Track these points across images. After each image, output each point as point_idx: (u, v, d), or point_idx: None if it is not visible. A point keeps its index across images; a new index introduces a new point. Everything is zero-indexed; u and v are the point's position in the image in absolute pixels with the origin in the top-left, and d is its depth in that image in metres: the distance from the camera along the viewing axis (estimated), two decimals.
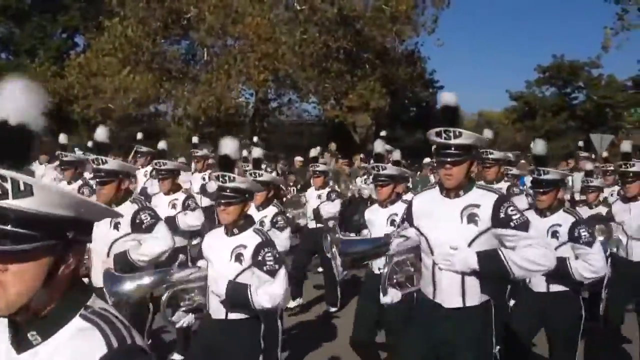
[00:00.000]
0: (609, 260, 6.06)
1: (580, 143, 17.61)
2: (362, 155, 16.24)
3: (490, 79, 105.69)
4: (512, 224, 3.58)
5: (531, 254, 3.55)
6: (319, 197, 8.97)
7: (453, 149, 3.54)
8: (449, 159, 3.57)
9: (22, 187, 1.50)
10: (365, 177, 14.18)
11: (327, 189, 9.16)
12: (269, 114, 29.61)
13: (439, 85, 38.34)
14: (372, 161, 11.30)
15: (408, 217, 3.97)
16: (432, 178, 13.40)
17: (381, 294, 3.95)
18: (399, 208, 5.95)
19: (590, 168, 8.75)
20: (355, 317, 5.84)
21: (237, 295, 3.93)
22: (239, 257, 4.01)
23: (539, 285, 4.90)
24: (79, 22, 31.30)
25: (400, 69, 29.40)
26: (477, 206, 3.63)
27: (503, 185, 7.35)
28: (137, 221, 4.83)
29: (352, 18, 25.90)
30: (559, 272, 4.57)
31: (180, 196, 7.31)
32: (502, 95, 67.70)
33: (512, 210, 3.60)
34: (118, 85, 24.79)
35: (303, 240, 9.57)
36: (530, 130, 40.10)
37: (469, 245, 3.60)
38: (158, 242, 4.83)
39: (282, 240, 6.14)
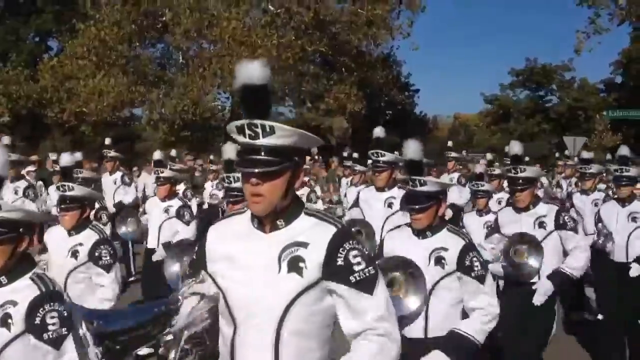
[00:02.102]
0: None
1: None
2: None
3: (465, 82, 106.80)
4: (352, 278, 2.27)
5: (368, 354, 2.30)
6: (167, 210, 7.09)
7: (263, 152, 2.21)
8: (256, 169, 2.22)
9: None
10: (217, 181, 12.53)
11: (178, 201, 7.21)
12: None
13: (415, 88, 38.64)
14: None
15: (199, 260, 2.47)
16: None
17: None
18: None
19: (480, 170, 7.86)
20: None
21: None
22: (5, 321, 2.72)
23: (414, 331, 3.80)
24: (52, 25, 30.97)
25: (376, 72, 29.55)
26: (304, 245, 2.29)
27: (397, 194, 5.91)
28: None
29: (328, 22, 25.97)
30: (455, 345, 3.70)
31: None
32: (477, 98, 68.40)
33: (355, 257, 2.29)
34: (92, 89, 24.56)
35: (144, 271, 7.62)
36: (505, 132, 40.55)
37: (289, 305, 2.26)
38: None
39: (108, 287, 4.62)
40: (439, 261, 3.79)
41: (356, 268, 2.29)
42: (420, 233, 3.89)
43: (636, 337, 6.24)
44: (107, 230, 6.78)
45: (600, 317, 7.73)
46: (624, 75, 38.00)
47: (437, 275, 3.80)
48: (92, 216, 7.12)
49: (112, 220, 8.53)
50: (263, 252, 2.32)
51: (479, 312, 3.77)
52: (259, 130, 2.21)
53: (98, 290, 4.58)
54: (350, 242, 2.32)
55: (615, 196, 6.86)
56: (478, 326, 3.77)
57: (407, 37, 28.19)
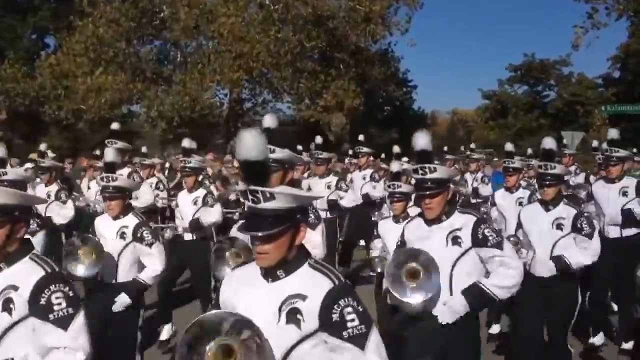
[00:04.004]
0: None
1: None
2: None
3: (463, 77, 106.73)
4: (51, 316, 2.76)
5: None
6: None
7: None
8: None
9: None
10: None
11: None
12: (243, 114, 29.52)
13: (413, 84, 38.67)
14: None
15: None
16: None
17: None
18: (129, 221, 5.22)
19: (397, 169, 6.57)
20: None
21: None
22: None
23: None
24: (49, 22, 30.89)
25: (374, 68, 29.54)
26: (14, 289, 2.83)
27: None
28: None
29: (326, 18, 25.95)
30: None
31: None
32: (475, 94, 68.50)
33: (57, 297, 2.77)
34: (90, 86, 24.52)
35: None
36: (503, 128, 40.59)
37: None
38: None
39: None
40: (293, 317, 2.48)
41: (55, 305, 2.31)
42: (268, 273, 2.53)
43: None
44: None
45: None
46: (622, 70, 38.00)
47: (290, 339, 2.48)
48: None
49: None
50: None
51: None
52: None
53: None
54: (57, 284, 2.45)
55: (539, 197, 5.74)
56: None
57: (405, 33, 28.23)
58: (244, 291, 2.59)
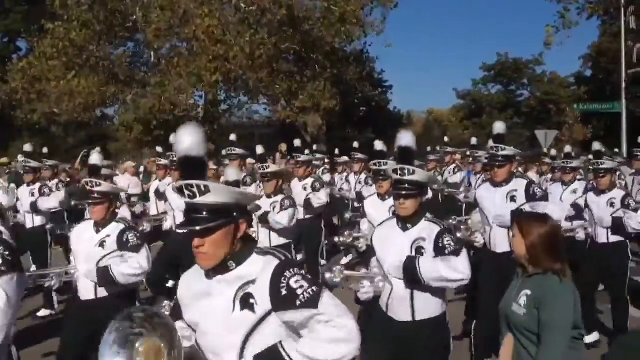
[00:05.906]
0: None
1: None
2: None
3: (438, 77, 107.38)
4: None
5: None
6: None
7: None
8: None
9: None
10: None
11: None
12: (219, 116, 29.41)
13: (388, 84, 38.85)
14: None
15: None
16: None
17: None
18: None
19: (234, 178, 6.11)
20: None
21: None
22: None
23: None
24: (21, 25, 30.51)
25: (350, 69, 29.62)
26: None
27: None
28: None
29: (301, 19, 25.94)
30: None
31: None
32: (450, 94, 68.91)
33: None
34: (63, 90, 24.24)
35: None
36: (477, 127, 40.94)
37: None
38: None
39: None
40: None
41: None
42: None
43: None
44: None
45: None
46: (593, 69, 38.55)
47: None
48: None
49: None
50: None
51: None
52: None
53: None
54: None
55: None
56: None
57: (381, 34, 28.33)
58: None
